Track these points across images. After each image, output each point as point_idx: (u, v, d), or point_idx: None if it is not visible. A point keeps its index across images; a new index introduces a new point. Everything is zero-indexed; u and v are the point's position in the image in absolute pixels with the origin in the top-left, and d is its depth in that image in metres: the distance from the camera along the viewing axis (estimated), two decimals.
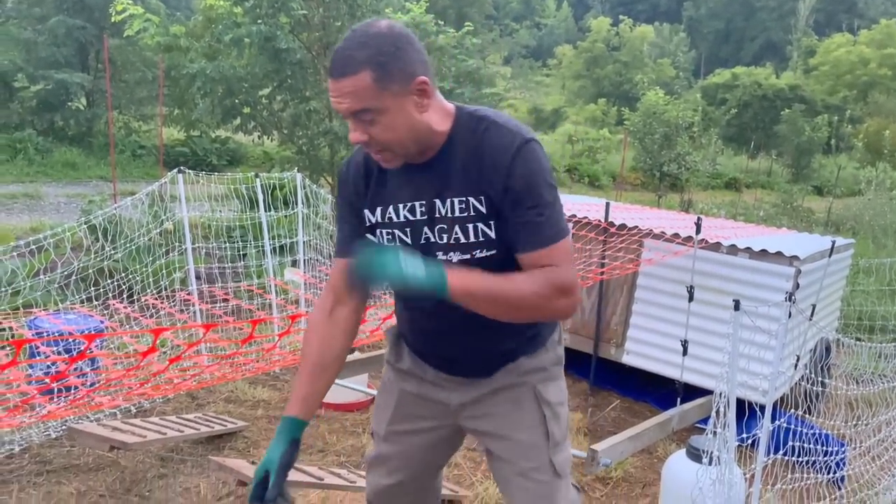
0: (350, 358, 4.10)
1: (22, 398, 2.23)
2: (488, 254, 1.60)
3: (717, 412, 2.16)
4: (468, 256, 1.60)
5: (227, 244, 4.96)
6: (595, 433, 4.04)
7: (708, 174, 17.67)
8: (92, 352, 3.12)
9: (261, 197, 4.52)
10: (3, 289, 3.79)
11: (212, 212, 5.18)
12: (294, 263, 5.36)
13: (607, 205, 4.59)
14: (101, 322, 3.53)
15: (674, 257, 4.13)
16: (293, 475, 2.71)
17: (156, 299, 3.78)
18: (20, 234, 6.57)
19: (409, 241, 1.65)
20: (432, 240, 1.63)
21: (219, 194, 5.92)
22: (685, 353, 3.93)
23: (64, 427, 3.34)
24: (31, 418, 2.22)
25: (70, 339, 2.99)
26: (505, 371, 1.78)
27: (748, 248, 4.06)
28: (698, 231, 3.89)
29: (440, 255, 1.62)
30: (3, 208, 9.44)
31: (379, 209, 1.67)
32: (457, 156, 1.58)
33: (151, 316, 3.76)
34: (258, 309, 4.50)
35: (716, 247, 4.12)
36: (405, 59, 1.46)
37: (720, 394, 2.17)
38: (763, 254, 4.01)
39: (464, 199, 1.58)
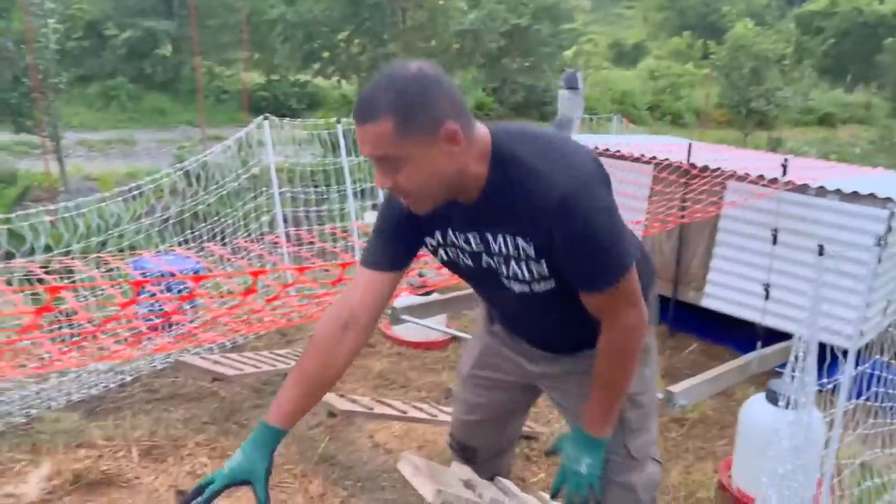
0: (429, 299, 4.24)
1: (134, 333, 2.43)
2: (547, 287, 1.57)
3: (797, 356, 2.16)
4: (528, 290, 1.59)
5: (311, 189, 5.12)
6: (672, 375, 4.06)
7: (799, 110, 16.81)
8: (190, 291, 3.34)
9: (342, 141, 4.63)
10: (110, 231, 4.07)
11: (295, 157, 5.34)
12: (374, 207, 5.51)
13: (690, 146, 4.49)
14: (198, 263, 3.76)
15: (758, 200, 4.04)
16: (378, 408, 2.88)
17: (246, 241, 3.98)
18: (119, 179, 6.96)
19: (472, 265, 1.64)
20: (493, 268, 1.60)
21: (301, 139, 6.09)
22: (767, 296, 3.88)
23: (169, 360, 3.61)
24: (142, 352, 2.43)
25: (174, 280, 3.20)
26: (585, 355, 1.76)
27: (838, 190, 3.92)
28: (784, 173, 3.78)
29: (504, 283, 1.62)
30: (100, 154, 9.98)
31: (438, 233, 1.63)
32: (498, 200, 1.49)
33: (242, 257, 3.97)
34: (342, 251, 4.66)
35: (803, 189, 3.99)
36: (432, 105, 1.36)
37: (800, 338, 2.17)
38: (854, 196, 3.86)
39: (512, 238, 1.53)
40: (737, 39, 14.03)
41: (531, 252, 1.51)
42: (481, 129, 1.47)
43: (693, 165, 4.35)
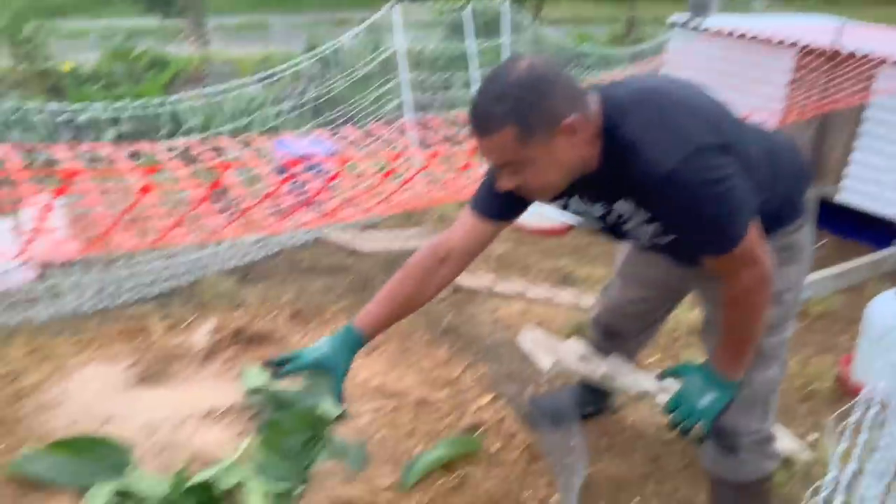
0: None
1: (284, 209, 2.69)
2: (670, 238, 1.62)
3: None
4: (653, 243, 1.66)
5: (436, 74, 5.19)
6: None
7: None
8: (336, 173, 3.58)
9: (467, 26, 4.63)
10: (255, 114, 4.36)
11: (422, 41, 5.38)
12: None
13: (839, 27, 4.17)
14: (333, 145, 3.99)
15: None
16: (500, 286, 3.06)
17: (377, 126, 4.16)
18: (255, 63, 7.27)
19: (599, 223, 1.70)
20: (619, 225, 1.65)
21: (427, 22, 6.09)
22: None
23: (308, 235, 3.93)
24: (292, 225, 2.68)
25: (312, 161, 3.45)
26: None
27: None
28: None
29: (631, 235, 1.68)
30: (235, 38, 10.36)
31: (564, 199, 1.67)
32: (611, 174, 1.51)
33: (374, 141, 4.16)
34: (467, 136, 4.76)
35: None
36: (548, 105, 1.37)
37: None
38: None
39: (631, 204, 1.57)
40: None
41: (650, 215, 1.56)
42: (594, 104, 1.46)
43: (840, 50, 4.06)
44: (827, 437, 2.45)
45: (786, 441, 2.56)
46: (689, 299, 3.47)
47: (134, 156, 3.94)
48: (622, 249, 2.26)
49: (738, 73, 4.39)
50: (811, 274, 3.25)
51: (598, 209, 1.64)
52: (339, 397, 1.77)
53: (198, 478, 1.98)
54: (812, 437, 2.75)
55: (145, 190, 1.66)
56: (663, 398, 2.36)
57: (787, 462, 2.52)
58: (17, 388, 2.40)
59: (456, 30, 5.46)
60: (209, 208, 2.38)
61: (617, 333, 2.36)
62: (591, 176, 1.51)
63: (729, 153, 1.47)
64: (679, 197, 1.43)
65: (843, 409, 1.76)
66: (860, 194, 4.20)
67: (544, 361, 2.21)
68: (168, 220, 2.77)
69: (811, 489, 1.48)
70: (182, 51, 7.58)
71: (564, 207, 1.72)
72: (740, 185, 1.47)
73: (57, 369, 2.54)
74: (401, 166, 3.72)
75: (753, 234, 1.52)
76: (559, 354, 2.22)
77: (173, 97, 4.63)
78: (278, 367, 1.76)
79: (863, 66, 3.91)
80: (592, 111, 1.45)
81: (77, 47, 7.96)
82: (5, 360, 2.56)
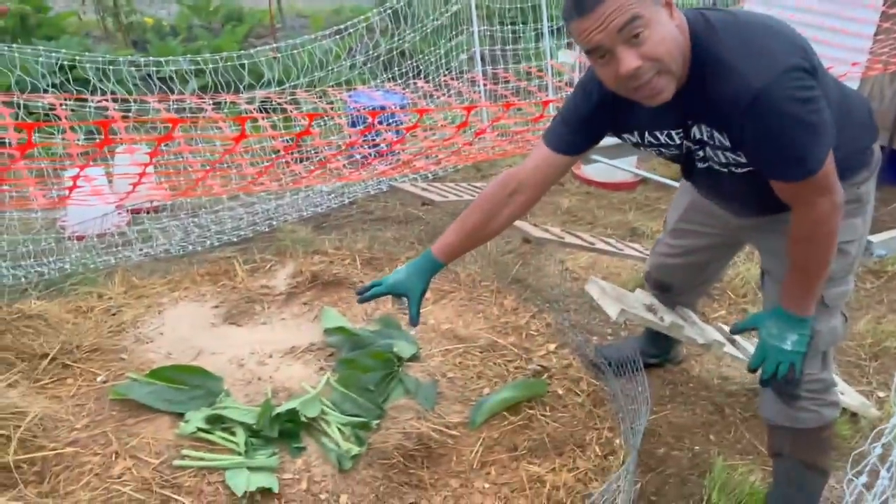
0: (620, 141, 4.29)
1: (362, 159, 2.79)
2: (744, 171, 1.63)
3: None
4: (727, 171, 1.65)
5: (507, 27, 5.17)
6: (875, 227, 3.87)
7: None
8: (415, 123, 3.67)
9: None
10: (329, 67, 4.46)
11: None
12: (569, 45, 5.45)
13: None
14: (406, 97, 4.06)
15: None
16: (568, 238, 3.11)
17: (448, 78, 4.21)
18: (327, 16, 7.35)
19: (674, 153, 1.71)
20: (696, 155, 1.67)
21: None
22: None
23: (380, 186, 4.05)
24: (369, 174, 2.79)
25: (386, 113, 3.53)
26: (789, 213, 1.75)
27: None
28: None
29: (704, 166, 1.69)
30: None
31: (637, 133, 1.70)
32: (695, 91, 1.52)
33: (446, 94, 4.21)
34: (538, 89, 4.76)
35: None
36: None
37: None
38: None
39: (710, 130, 1.58)
40: None
41: (727, 143, 1.57)
42: (683, 23, 1.48)
43: None
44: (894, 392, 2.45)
45: (854, 397, 2.57)
46: (755, 255, 3.46)
47: (217, 107, 4.12)
48: (675, 206, 2.27)
49: (818, 24, 4.23)
50: (890, 231, 3.20)
51: (675, 136, 1.66)
52: (415, 317, 1.90)
53: (283, 407, 2.14)
54: (881, 394, 2.74)
55: (238, 139, 1.77)
56: (731, 349, 2.40)
57: (854, 418, 2.53)
58: (118, 322, 2.60)
59: None
60: (290, 158, 2.50)
61: (668, 287, 2.40)
62: (676, 100, 1.52)
63: (813, 75, 1.48)
64: (768, 116, 1.44)
65: None
66: None
67: (611, 310, 2.26)
68: (250, 168, 2.92)
69: (873, 433, 1.49)
70: (256, 4, 7.71)
71: (638, 144, 1.76)
72: (825, 109, 1.49)
73: (151, 306, 2.74)
74: (473, 119, 3.77)
75: (831, 163, 1.53)
76: (626, 303, 2.27)
77: (251, 51, 4.77)
78: (362, 294, 1.92)
79: None
80: (682, 25, 1.48)
81: (151, 2, 8.17)
82: (106, 297, 2.77)
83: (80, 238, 3.29)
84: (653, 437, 2.43)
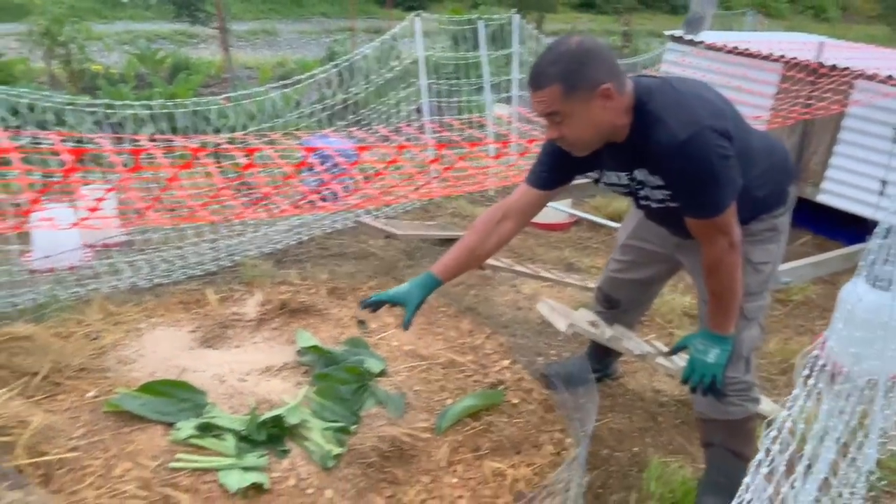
0: None
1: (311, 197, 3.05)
2: (676, 205, 1.96)
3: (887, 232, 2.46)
4: (663, 206, 2.02)
5: (452, 80, 5.56)
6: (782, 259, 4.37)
7: None
8: (349, 169, 3.95)
9: (482, 35, 5.02)
10: (281, 117, 4.74)
11: (436, 51, 5.76)
12: (509, 100, 5.90)
13: (821, 44, 4.58)
14: (352, 146, 4.36)
15: (885, 99, 4.16)
16: (518, 267, 3.42)
17: (402, 125, 4.54)
18: (272, 68, 7.64)
19: (622, 190, 2.09)
20: (636, 190, 2.04)
21: (431, 31, 6.46)
22: (882, 192, 4.08)
23: (335, 224, 4.30)
24: (334, 208, 3.04)
25: (335, 156, 3.81)
26: None
27: None
28: None
29: (644, 201, 2.06)
30: (247, 44, 10.73)
31: (596, 170, 2.09)
32: (636, 143, 1.87)
33: (400, 138, 4.53)
34: (483, 136, 5.14)
35: None
36: (590, 72, 1.75)
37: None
38: None
39: (647, 172, 1.94)
40: None
41: (660, 182, 1.93)
42: (629, 85, 1.84)
43: (822, 64, 4.47)
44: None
45: (767, 403, 2.94)
46: (680, 286, 3.87)
47: (168, 152, 4.31)
48: (625, 226, 2.63)
49: (729, 84, 4.79)
50: (794, 261, 3.65)
51: (623, 178, 2.02)
52: (407, 324, 2.17)
53: (269, 414, 2.34)
54: (788, 402, 3.13)
55: (183, 167, 2.01)
56: (661, 360, 2.74)
57: (768, 421, 2.90)
58: (99, 345, 2.75)
59: (461, 40, 5.83)
60: (230, 194, 2.76)
61: (617, 302, 2.74)
62: (620, 146, 1.89)
63: (729, 139, 1.84)
64: (685, 163, 1.80)
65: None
66: (837, 195, 4.60)
67: (560, 324, 2.57)
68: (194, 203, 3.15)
69: (765, 421, 1.82)
70: (200, 54, 7.95)
71: (597, 180, 2.12)
72: (733, 166, 1.86)
73: (130, 331, 2.89)
74: (421, 161, 4.10)
75: (732, 210, 1.90)
76: (573, 319, 2.59)
77: (204, 99, 5.00)
78: (368, 305, 2.21)
79: (841, 79, 4.32)
80: (628, 89, 1.84)
81: (94, 51, 8.29)
82: (84, 323, 2.91)
83: (50, 271, 3.41)
84: (596, 441, 2.72)
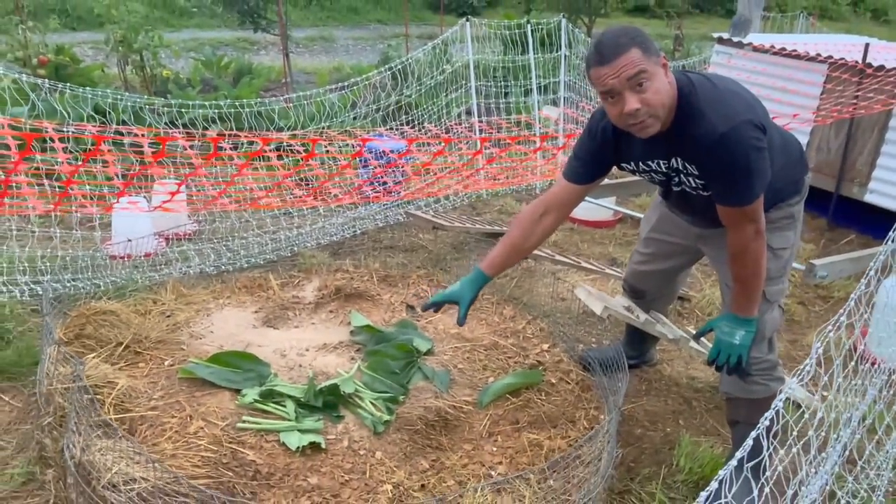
0: (602, 183, 4.84)
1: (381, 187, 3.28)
2: (708, 193, 2.12)
3: None
4: (695, 194, 2.17)
5: (500, 83, 5.76)
6: (821, 254, 4.42)
7: None
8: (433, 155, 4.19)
9: (530, 39, 5.20)
10: (338, 118, 5.01)
11: (488, 53, 5.96)
12: (554, 102, 6.06)
13: (866, 46, 4.62)
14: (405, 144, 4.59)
15: None
16: (558, 257, 3.59)
17: (452, 124, 4.75)
18: (330, 72, 7.96)
19: (658, 178, 2.23)
20: (671, 178, 2.19)
21: (482, 35, 6.67)
22: None
23: (388, 220, 4.54)
24: (388, 198, 3.27)
25: (387, 152, 4.06)
26: None
27: None
28: None
29: (678, 188, 2.20)
30: (305, 50, 11.12)
31: (632, 162, 2.23)
32: (677, 133, 2.00)
33: (451, 136, 4.75)
34: (531, 135, 5.32)
35: None
36: (652, 43, 1.92)
37: None
38: None
39: (684, 161, 2.09)
40: None
41: (695, 171, 2.09)
42: (673, 81, 1.98)
43: (869, 65, 4.51)
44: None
45: (799, 391, 3.04)
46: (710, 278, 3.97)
47: (236, 146, 4.61)
48: (647, 220, 2.77)
49: (774, 85, 4.86)
50: (831, 256, 3.72)
51: (662, 165, 2.16)
52: (462, 319, 2.37)
53: (326, 383, 2.57)
54: (825, 393, 3.21)
55: (242, 167, 2.24)
56: (694, 344, 2.88)
57: (800, 408, 3.00)
58: (174, 322, 3.02)
59: (511, 44, 6.01)
60: (291, 184, 3.02)
61: (643, 293, 2.88)
62: (659, 135, 2.02)
63: (763, 132, 2.00)
64: (724, 153, 1.94)
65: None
66: (885, 195, 4.62)
67: (597, 307, 2.73)
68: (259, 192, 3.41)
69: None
70: (261, 60, 8.32)
71: (634, 171, 2.27)
72: (766, 157, 2.01)
73: (200, 311, 3.16)
74: (472, 159, 4.30)
75: (760, 201, 2.06)
76: (609, 303, 2.75)
77: (268, 100, 5.30)
78: (429, 308, 2.44)
79: (887, 80, 4.35)
80: (672, 82, 1.98)
81: (163, 57, 8.75)
82: (160, 303, 3.19)
83: (128, 257, 3.72)
84: (632, 420, 2.88)
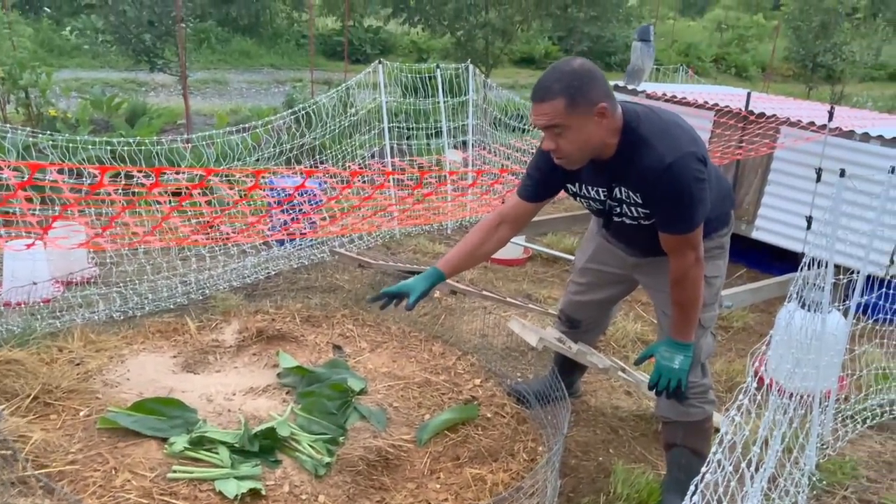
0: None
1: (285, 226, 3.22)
2: (648, 223, 2.21)
3: (810, 263, 2.73)
4: (636, 223, 2.25)
5: (410, 125, 5.82)
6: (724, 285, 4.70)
7: (869, 65, 16.60)
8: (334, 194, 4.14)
9: (440, 83, 5.32)
10: (241, 161, 4.90)
11: (398, 96, 6.02)
12: (456, 146, 6.18)
13: (748, 94, 5.03)
14: (322, 183, 4.55)
15: (806, 143, 4.59)
16: (485, 293, 3.63)
17: (357, 168, 4.74)
18: (227, 115, 7.77)
19: (597, 206, 2.32)
20: (613, 210, 2.28)
21: (380, 84, 6.75)
22: (808, 227, 4.47)
23: (301, 260, 4.44)
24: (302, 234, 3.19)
25: (302, 194, 3.99)
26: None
27: (880, 136, 4.43)
28: (830, 119, 4.33)
29: (617, 218, 2.29)
30: (198, 92, 10.84)
31: (577, 184, 2.32)
32: (621, 162, 2.10)
33: (359, 180, 4.72)
34: (437, 181, 5.38)
35: (849, 134, 4.51)
36: (590, 91, 1.96)
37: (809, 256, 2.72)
38: (894, 141, 4.37)
39: (627, 191, 2.18)
40: None
41: (639, 200, 2.16)
42: (618, 108, 2.07)
43: (751, 112, 4.91)
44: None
45: (717, 417, 3.18)
46: (631, 314, 4.13)
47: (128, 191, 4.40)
48: (583, 251, 2.86)
49: None
50: (734, 287, 3.97)
51: (601, 193, 2.24)
52: (411, 305, 2.34)
53: (261, 427, 2.45)
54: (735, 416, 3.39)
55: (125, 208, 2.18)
56: (622, 373, 2.96)
57: (716, 433, 3.14)
58: (84, 370, 2.81)
59: (411, 89, 6.09)
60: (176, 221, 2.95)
61: (578, 322, 2.96)
62: (603, 163, 2.12)
63: (705, 164, 2.11)
64: (671, 182, 2.04)
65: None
66: (769, 231, 5.00)
67: (532, 339, 2.77)
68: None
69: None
70: (153, 102, 8.04)
71: (576, 194, 2.34)
72: (706, 189, 2.12)
73: (112, 357, 2.96)
74: (384, 200, 4.31)
75: (700, 229, 2.16)
76: (542, 334, 2.79)
77: (167, 138, 5.11)
78: (376, 300, 2.42)
79: (768, 126, 4.74)
80: (618, 111, 2.08)
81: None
82: (67, 350, 2.96)
83: (23, 304, 3.44)
84: (565, 452, 2.91)
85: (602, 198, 2.27)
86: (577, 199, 2.38)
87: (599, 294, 2.82)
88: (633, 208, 2.22)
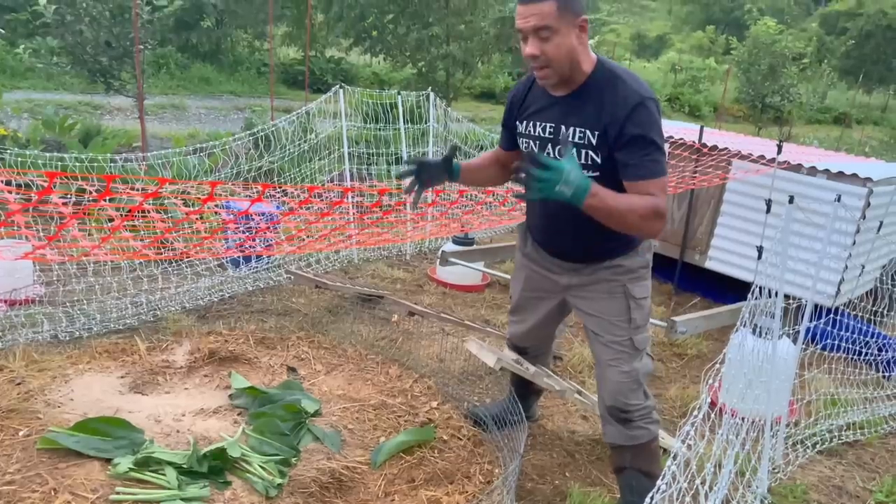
0: (472, 248, 4.97)
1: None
2: (592, 175, 2.08)
3: (760, 290, 2.79)
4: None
5: (369, 152, 5.82)
6: (677, 312, 4.76)
7: (815, 108, 17.29)
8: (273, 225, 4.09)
9: (400, 110, 5.34)
10: (196, 181, 4.83)
11: (358, 122, 6.03)
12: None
13: (701, 128, 5.17)
14: (279, 206, 4.50)
15: (756, 175, 4.72)
16: (444, 315, 3.61)
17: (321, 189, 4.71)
18: (184, 139, 7.69)
19: (540, 145, 2.27)
20: (551, 156, 2.20)
21: (341, 109, 6.77)
22: (759, 257, 4.57)
23: (258, 283, 4.37)
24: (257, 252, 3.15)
25: (259, 214, 3.95)
26: (604, 267, 2.40)
27: (826, 170, 4.59)
28: (779, 152, 4.47)
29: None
30: (155, 117, 10.70)
31: (524, 122, 2.31)
32: (588, 96, 2.09)
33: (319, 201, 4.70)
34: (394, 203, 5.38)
35: (797, 168, 4.67)
36: (577, 2, 2.01)
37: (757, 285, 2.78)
38: (839, 175, 4.53)
39: (583, 130, 2.11)
40: (757, 37, 14.55)
41: (594, 141, 2.08)
42: (588, 49, 2.13)
43: (704, 145, 5.04)
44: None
45: (669, 439, 3.20)
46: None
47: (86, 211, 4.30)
48: (514, 285, 2.79)
49: None
50: (688, 314, 4.02)
51: (547, 129, 2.21)
52: (417, 192, 2.36)
53: (210, 447, 2.38)
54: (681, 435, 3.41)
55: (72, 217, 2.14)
56: (578, 396, 2.97)
57: (666, 453, 3.15)
58: (25, 390, 2.70)
59: (371, 116, 6.12)
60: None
61: (525, 351, 2.95)
62: (564, 97, 2.14)
63: None
64: (644, 117, 2.02)
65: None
66: (722, 261, 5.10)
67: (489, 360, 2.76)
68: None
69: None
70: (110, 124, 7.91)
71: (520, 135, 2.33)
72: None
73: (55, 377, 2.85)
74: (341, 221, 4.28)
75: (666, 180, 2.07)
76: (501, 356, 2.78)
77: (123, 155, 5.02)
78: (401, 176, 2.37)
79: (720, 158, 4.87)
80: (588, 48, 2.12)
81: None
82: (7, 370, 2.84)
83: None
84: (521, 475, 2.88)
85: (546, 135, 2.22)
86: (521, 141, 2.35)
87: (536, 317, 2.75)
88: (581, 152, 2.12)
